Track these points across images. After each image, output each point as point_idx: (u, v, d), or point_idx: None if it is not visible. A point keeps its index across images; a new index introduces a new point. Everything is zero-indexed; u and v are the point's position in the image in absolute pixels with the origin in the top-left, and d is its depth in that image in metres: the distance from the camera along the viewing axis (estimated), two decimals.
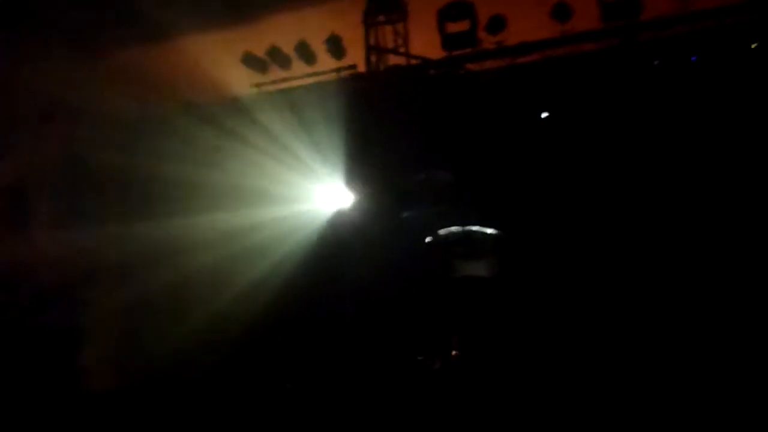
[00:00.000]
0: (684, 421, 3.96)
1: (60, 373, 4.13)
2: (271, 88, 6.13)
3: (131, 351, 4.75)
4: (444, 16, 5.76)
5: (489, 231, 4.95)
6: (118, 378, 4.33)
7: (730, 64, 5.17)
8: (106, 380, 4.25)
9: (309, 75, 6.05)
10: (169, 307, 5.24)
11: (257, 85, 6.16)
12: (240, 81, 6.06)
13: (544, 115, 5.50)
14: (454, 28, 5.75)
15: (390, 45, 5.89)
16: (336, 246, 5.58)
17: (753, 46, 5.16)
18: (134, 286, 5.10)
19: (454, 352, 4.76)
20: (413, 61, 5.81)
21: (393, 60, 5.89)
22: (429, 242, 4.99)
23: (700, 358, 4.47)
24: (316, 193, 5.71)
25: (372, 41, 5.86)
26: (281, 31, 6.00)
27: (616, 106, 5.32)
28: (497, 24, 5.61)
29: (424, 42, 5.84)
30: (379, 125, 5.70)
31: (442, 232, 5.01)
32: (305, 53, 5.99)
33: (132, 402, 3.81)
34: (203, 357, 4.48)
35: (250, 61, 6.09)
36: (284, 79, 6.14)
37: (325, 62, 6.01)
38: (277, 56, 6.05)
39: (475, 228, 4.94)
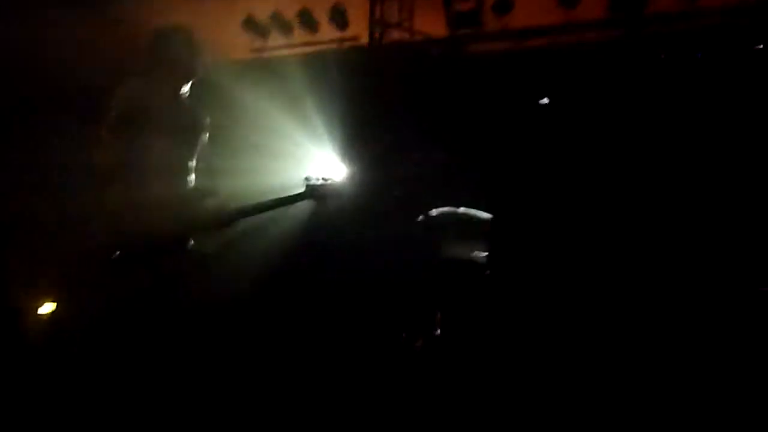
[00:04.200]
0: (679, 418, 3.95)
1: None
2: (271, 54, 6.03)
3: None
4: None
5: (482, 214, 4.93)
6: None
7: (735, 64, 5.13)
8: None
9: (310, 44, 5.95)
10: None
11: (256, 50, 6.05)
12: (239, 45, 5.96)
13: (544, 101, 5.43)
14: (460, 6, 5.65)
15: (395, 20, 5.80)
16: (325, 219, 5.51)
17: (758, 47, 5.13)
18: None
19: (437, 332, 4.76)
20: (417, 37, 5.72)
21: (396, 35, 5.80)
22: (420, 221, 4.96)
23: (695, 352, 4.45)
24: (309, 164, 5.63)
25: (377, 14, 5.76)
26: None
27: (619, 98, 5.27)
28: (504, 5, 5.53)
29: (429, 19, 5.75)
30: (378, 100, 5.63)
31: (433, 212, 4.99)
32: (308, 21, 5.89)
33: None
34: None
35: (251, 25, 5.98)
36: (284, 46, 6.03)
37: (327, 32, 5.91)
38: (278, 22, 5.94)
39: (468, 210, 4.92)
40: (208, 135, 3.53)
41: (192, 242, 3.29)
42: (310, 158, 5.55)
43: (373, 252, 5.42)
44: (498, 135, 5.41)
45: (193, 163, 3.37)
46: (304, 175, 3.49)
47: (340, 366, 4.77)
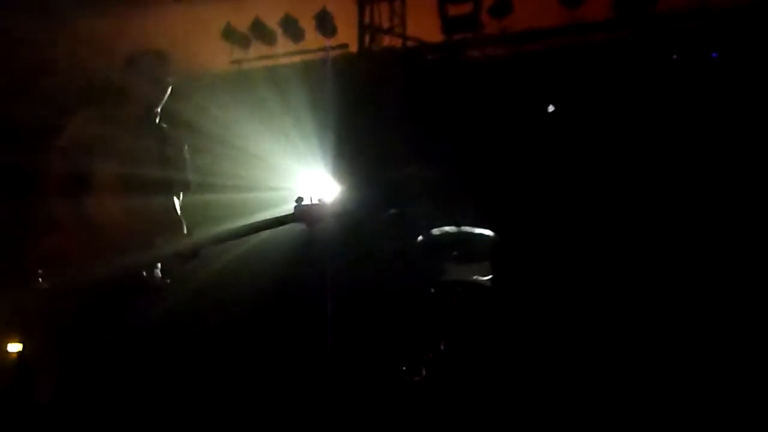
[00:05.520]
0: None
1: None
2: (253, 65, 5.69)
3: None
4: None
5: (485, 233, 4.60)
6: None
7: (751, 64, 4.83)
8: None
9: (295, 53, 5.61)
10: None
11: (237, 62, 5.70)
12: (219, 56, 5.62)
13: (550, 108, 5.11)
14: (455, 10, 5.37)
15: (386, 25, 5.50)
16: (317, 240, 5.15)
17: None
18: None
19: (439, 362, 4.40)
20: (410, 44, 5.40)
21: (388, 41, 5.49)
22: (419, 242, 4.62)
23: (695, 366, 4.23)
24: (297, 182, 5.26)
25: (366, 20, 5.44)
26: (267, 3, 5.57)
27: (626, 103, 4.97)
28: (503, 7, 5.24)
29: (423, 24, 5.46)
30: (370, 111, 5.30)
31: (434, 231, 4.66)
32: (292, 29, 5.56)
33: None
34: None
35: (230, 34, 5.64)
36: (267, 56, 5.69)
37: (314, 40, 5.59)
38: (260, 31, 5.61)
39: (470, 229, 4.59)
40: (187, 161, 3.23)
41: (155, 271, 3.03)
42: (298, 176, 5.22)
43: (368, 276, 5.12)
44: (500, 145, 5.09)
45: (157, 193, 3.07)
46: (295, 196, 3.21)
47: (336, 402, 4.47)
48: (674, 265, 4.60)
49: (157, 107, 3.10)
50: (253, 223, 3.00)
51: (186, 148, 3.21)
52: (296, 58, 5.65)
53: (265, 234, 3.27)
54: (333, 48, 5.50)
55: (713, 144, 4.72)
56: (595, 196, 4.86)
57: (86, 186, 2.91)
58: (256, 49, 5.74)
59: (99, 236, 2.86)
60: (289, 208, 3.07)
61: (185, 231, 3.06)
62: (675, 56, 4.99)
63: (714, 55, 4.94)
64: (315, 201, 2.90)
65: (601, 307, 4.63)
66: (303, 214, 2.91)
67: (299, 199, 2.91)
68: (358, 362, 4.75)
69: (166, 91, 3.08)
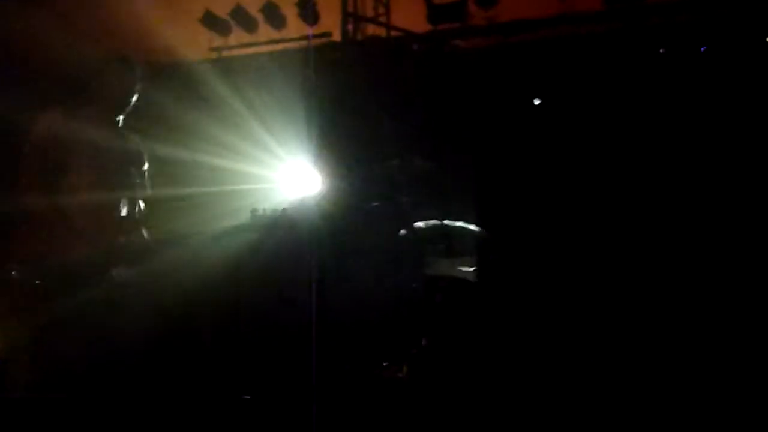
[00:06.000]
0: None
1: None
2: (233, 52, 5.54)
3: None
4: None
5: (470, 227, 4.52)
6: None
7: (742, 58, 4.77)
8: None
9: (276, 41, 5.47)
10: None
11: (216, 49, 5.55)
12: (198, 43, 5.45)
13: (536, 101, 5.02)
14: None
15: (370, 13, 5.37)
16: (299, 235, 5.04)
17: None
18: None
19: (422, 358, 4.33)
20: (394, 33, 5.27)
21: (372, 30, 5.36)
22: (403, 236, 4.52)
23: (691, 368, 4.17)
24: (277, 175, 5.15)
25: (350, 8, 5.30)
26: None
27: (615, 96, 4.91)
28: None
29: (408, 13, 5.34)
30: (353, 102, 5.18)
31: (419, 225, 4.56)
32: (273, 16, 5.42)
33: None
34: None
35: (210, 20, 5.48)
36: (248, 44, 5.54)
37: (296, 28, 5.45)
38: (241, 17, 5.46)
39: (455, 223, 4.50)
40: (146, 166, 3.36)
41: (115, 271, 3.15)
42: (279, 167, 5.11)
43: (351, 270, 5.01)
44: (487, 138, 5.00)
45: (120, 196, 3.22)
46: (275, 189, 3.39)
47: (318, 397, 4.38)
48: (662, 257, 4.56)
49: (123, 112, 3.19)
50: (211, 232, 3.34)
51: (146, 154, 3.33)
52: (278, 46, 5.52)
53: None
54: (315, 36, 5.38)
55: (701, 137, 4.68)
56: (584, 190, 4.80)
57: (59, 182, 2.97)
58: (237, 36, 5.60)
59: (70, 231, 2.94)
60: (271, 201, 3.14)
61: (143, 232, 3.21)
62: (662, 50, 4.93)
63: (702, 48, 4.88)
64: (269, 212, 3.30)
65: (587, 302, 4.58)
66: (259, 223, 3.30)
67: (254, 210, 3.31)
68: (340, 358, 4.66)
69: (132, 97, 3.17)
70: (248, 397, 4.20)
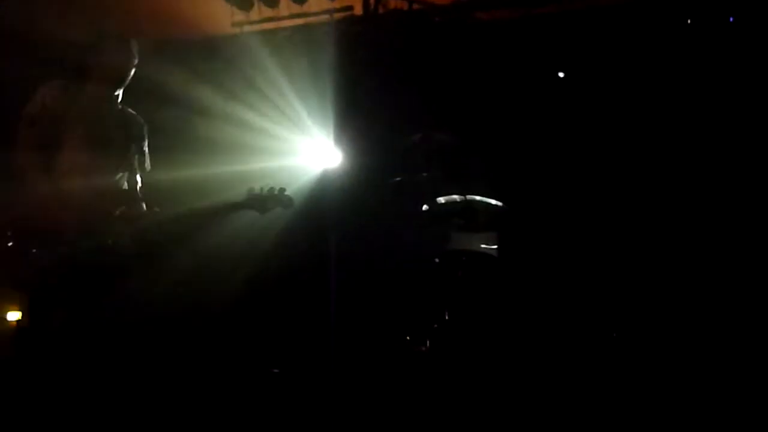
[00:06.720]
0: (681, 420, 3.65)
1: None
2: (255, 27, 5.51)
3: None
4: None
5: (492, 202, 4.50)
6: None
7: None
8: None
9: (298, 15, 5.43)
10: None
11: (238, 24, 5.52)
12: (219, 18, 5.44)
13: (561, 74, 4.95)
14: None
15: None
16: (321, 210, 5.06)
17: None
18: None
19: (443, 333, 4.35)
20: (416, 6, 5.21)
21: (393, 3, 5.29)
22: (425, 210, 4.52)
23: (699, 350, 4.14)
24: (300, 149, 5.16)
25: None
26: None
27: (641, 68, 4.81)
28: None
29: None
30: (375, 77, 5.16)
31: (440, 200, 4.56)
32: None
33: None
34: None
35: None
36: (270, 19, 5.51)
37: (317, 2, 5.39)
38: None
39: (477, 198, 4.49)
40: (146, 143, 3.41)
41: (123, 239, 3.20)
42: (300, 143, 5.12)
43: (372, 245, 5.04)
44: (509, 112, 4.94)
45: (118, 171, 3.29)
46: (296, 166, 3.45)
47: (341, 372, 4.43)
48: (683, 240, 4.48)
49: (119, 89, 3.23)
50: (206, 207, 3.31)
51: (145, 129, 3.38)
52: (300, 21, 5.47)
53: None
54: (337, 10, 5.33)
55: (728, 110, 4.57)
56: (606, 166, 4.73)
57: (56, 153, 3.03)
58: (258, 11, 5.56)
59: (67, 202, 2.99)
60: (289, 178, 3.18)
61: (143, 207, 3.27)
62: (689, 21, 4.81)
63: (731, 19, 4.76)
64: (266, 191, 3.25)
65: (609, 278, 4.56)
66: (254, 201, 3.26)
67: (251, 189, 3.25)
68: (363, 333, 4.70)
69: (128, 74, 3.20)
70: (277, 371, 4.32)
